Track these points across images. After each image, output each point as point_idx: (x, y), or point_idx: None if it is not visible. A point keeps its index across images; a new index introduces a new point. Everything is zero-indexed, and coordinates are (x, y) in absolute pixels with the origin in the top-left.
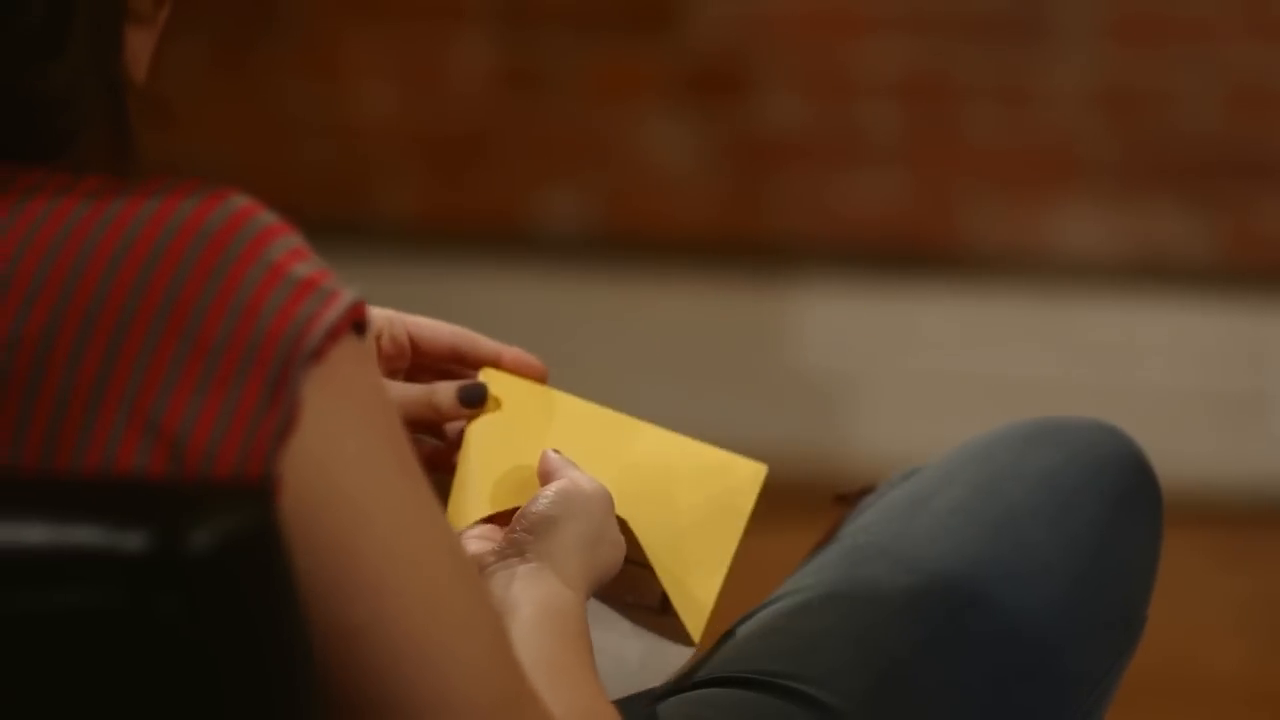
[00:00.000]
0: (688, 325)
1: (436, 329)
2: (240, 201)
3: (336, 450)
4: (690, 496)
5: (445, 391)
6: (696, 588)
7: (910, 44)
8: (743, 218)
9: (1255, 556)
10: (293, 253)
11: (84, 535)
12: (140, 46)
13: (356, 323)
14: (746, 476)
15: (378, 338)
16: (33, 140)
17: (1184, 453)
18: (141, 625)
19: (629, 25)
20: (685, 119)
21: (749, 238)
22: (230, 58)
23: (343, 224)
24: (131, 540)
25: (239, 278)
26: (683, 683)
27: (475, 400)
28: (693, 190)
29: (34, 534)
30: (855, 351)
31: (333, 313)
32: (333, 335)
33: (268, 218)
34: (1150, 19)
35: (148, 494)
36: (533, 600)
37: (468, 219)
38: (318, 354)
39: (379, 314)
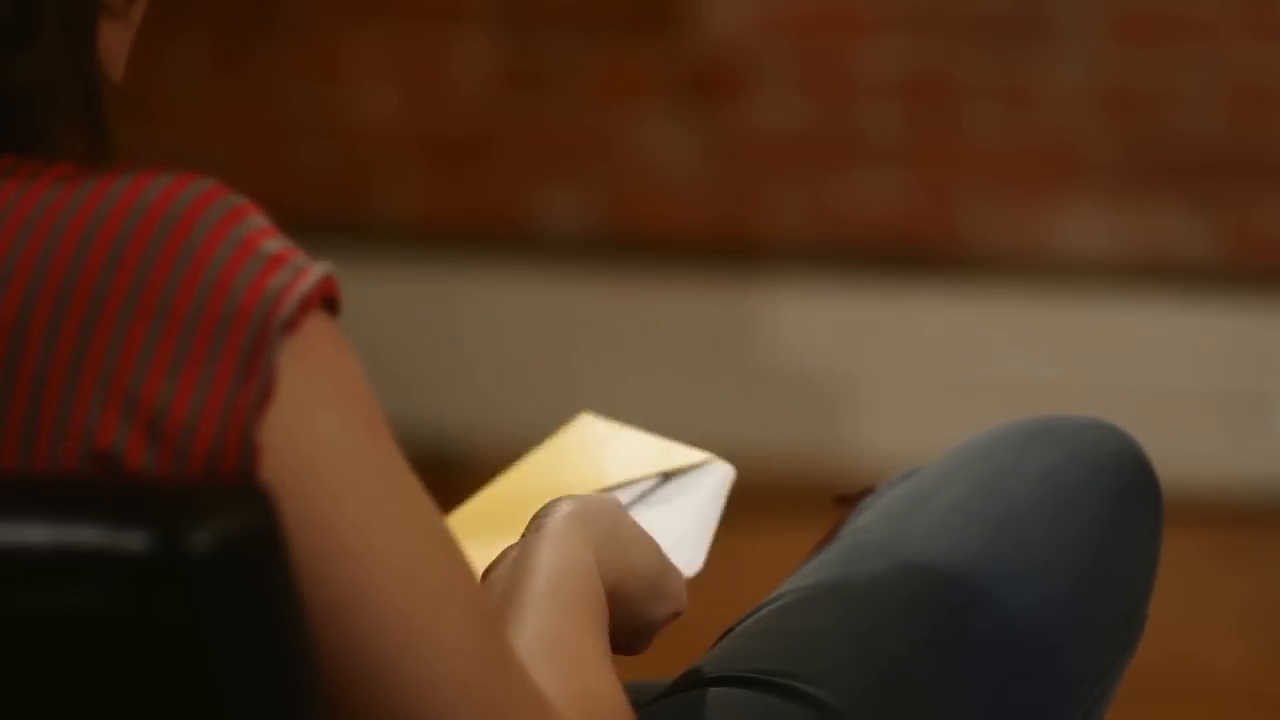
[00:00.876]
0: (688, 325)
1: None
2: (207, 183)
3: (311, 422)
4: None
5: None
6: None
7: (910, 44)
8: (743, 218)
9: (1256, 556)
10: (260, 231)
11: (84, 535)
12: (115, 42)
13: (328, 297)
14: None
15: None
16: (5, 134)
17: (1184, 453)
18: (142, 625)
19: (630, 25)
20: (686, 119)
21: (749, 238)
22: (230, 58)
23: (343, 224)
24: (131, 540)
25: (209, 255)
26: (682, 683)
27: None
28: (693, 190)
29: (34, 534)
30: (855, 352)
31: (305, 284)
32: (305, 307)
33: (235, 198)
34: (1151, 19)
35: (148, 494)
36: (542, 568)
37: (468, 219)
38: (291, 325)
39: None
